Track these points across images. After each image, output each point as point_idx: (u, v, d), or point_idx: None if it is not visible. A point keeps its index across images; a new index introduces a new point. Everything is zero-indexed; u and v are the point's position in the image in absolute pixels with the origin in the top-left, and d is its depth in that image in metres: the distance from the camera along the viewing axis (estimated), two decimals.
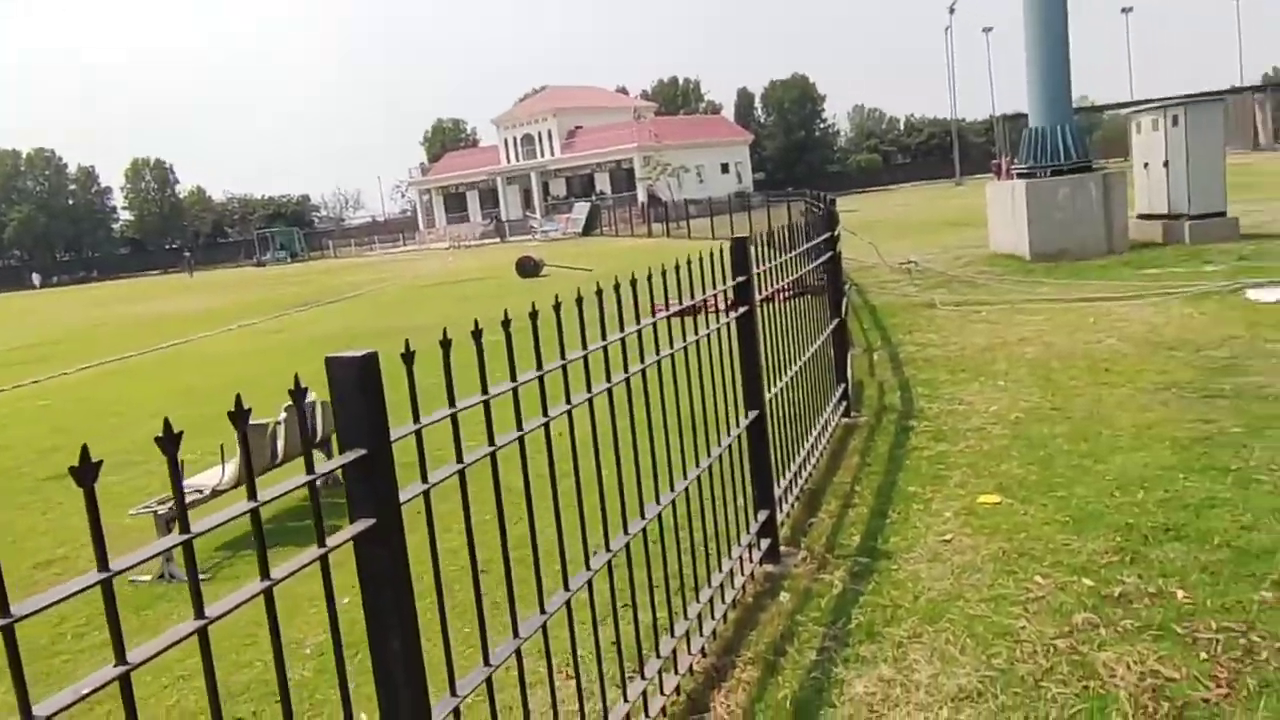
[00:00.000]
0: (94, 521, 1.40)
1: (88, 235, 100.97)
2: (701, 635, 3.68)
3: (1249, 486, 4.71)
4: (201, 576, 5.47)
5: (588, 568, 2.93)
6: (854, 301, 12.51)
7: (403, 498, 2.02)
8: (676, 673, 3.42)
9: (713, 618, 3.81)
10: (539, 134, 78.36)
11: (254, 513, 1.69)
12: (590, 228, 57.47)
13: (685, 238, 36.98)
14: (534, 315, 2.57)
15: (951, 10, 69.51)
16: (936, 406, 7.04)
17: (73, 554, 6.28)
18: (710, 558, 3.94)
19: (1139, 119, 15.72)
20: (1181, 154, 14.42)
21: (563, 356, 2.82)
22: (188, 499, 5.90)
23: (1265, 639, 3.33)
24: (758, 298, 4.66)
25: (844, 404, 7.07)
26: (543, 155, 78.12)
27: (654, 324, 3.43)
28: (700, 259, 3.94)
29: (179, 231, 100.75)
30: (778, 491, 4.74)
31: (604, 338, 3.07)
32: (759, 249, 5.00)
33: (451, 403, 2.28)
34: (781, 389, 5.09)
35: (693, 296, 3.78)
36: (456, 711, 2.20)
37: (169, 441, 1.50)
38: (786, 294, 5.58)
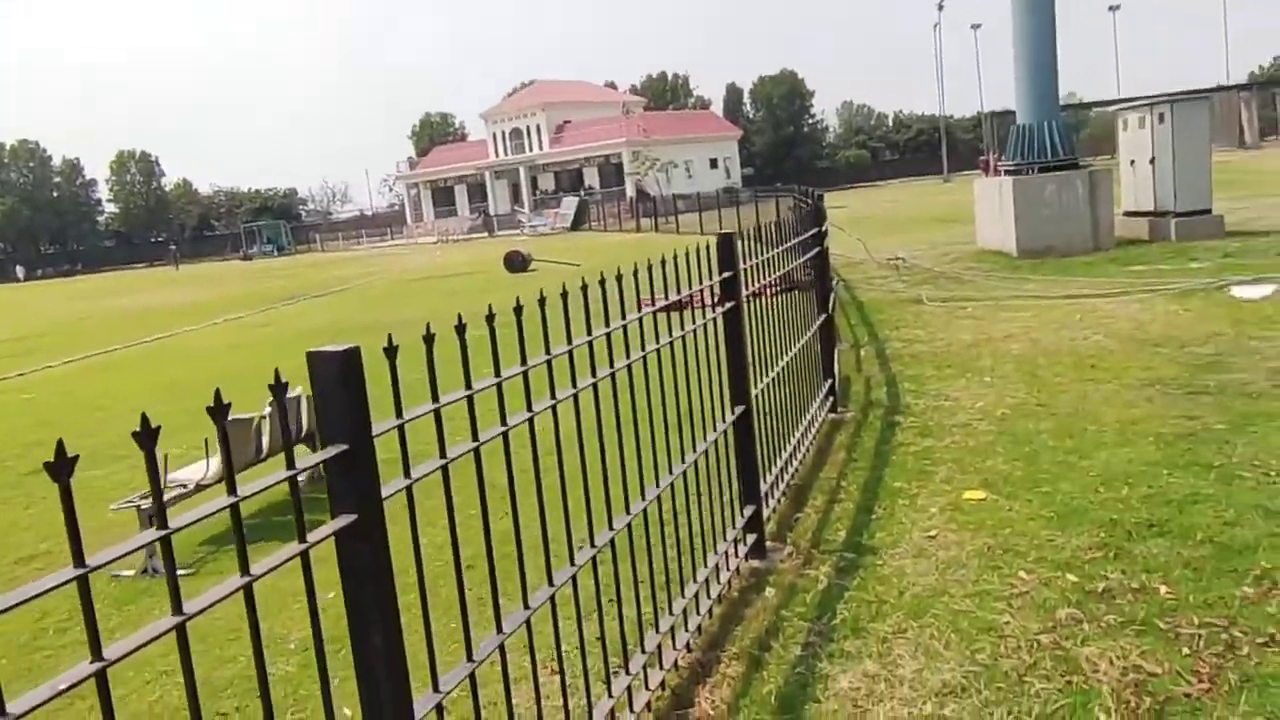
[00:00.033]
0: (70, 517, 1.38)
1: (72, 228, 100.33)
2: (687, 630, 3.67)
3: (1232, 482, 4.73)
4: (186, 572, 5.46)
5: (572, 563, 2.92)
6: (841, 297, 12.53)
7: (385, 493, 2.01)
8: (661, 668, 3.42)
9: (698, 613, 3.81)
10: (527, 128, 78.19)
11: (234, 508, 1.67)
12: (579, 222, 57.39)
13: (674, 233, 36.99)
14: (518, 310, 2.56)
15: (940, 7, 69.74)
16: (923, 402, 7.05)
17: (56, 549, 6.24)
18: (696, 553, 3.94)
19: (1126, 116, 15.78)
20: (1168, 151, 14.49)
21: (547, 352, 2.81)
22: (172, 494, 5.86)
23: (1247, 634, 3.35)
24: (744, 293, 4.66)
25: (831, 399, 7.08)
26: (531, 150, 77.97)
27: (639, 319, 3.42)
28: (687, 254, 3.93)
29: (165, 225, 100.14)
30: (764, 487, 4.75)
31: (589, 333, 3.06)
32: (746, 244, 5.00)
33: (435, 398, 2.27)
34: (768, 384, 5.09)
35: (679, 292, 3.77)
36: (439, 707, 2.19)
37: (146, 437, 1.48)
38: (775, 289, 5.58)
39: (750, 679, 3.49)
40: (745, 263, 4.80)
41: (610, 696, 3.06)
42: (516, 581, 2.70)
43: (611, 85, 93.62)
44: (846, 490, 5.38)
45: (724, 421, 4.35)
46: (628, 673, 3.18)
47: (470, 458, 2.44)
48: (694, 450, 3.95)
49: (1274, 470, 4.81)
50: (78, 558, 1.40)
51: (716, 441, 4.21)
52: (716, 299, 4.43)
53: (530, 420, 2.69)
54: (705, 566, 3.96)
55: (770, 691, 3.39)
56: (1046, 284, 11.90)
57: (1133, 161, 15.45)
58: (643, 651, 3.31)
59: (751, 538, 4.54)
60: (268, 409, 6.27)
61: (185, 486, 5.78)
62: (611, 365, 3.24)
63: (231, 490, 1.67)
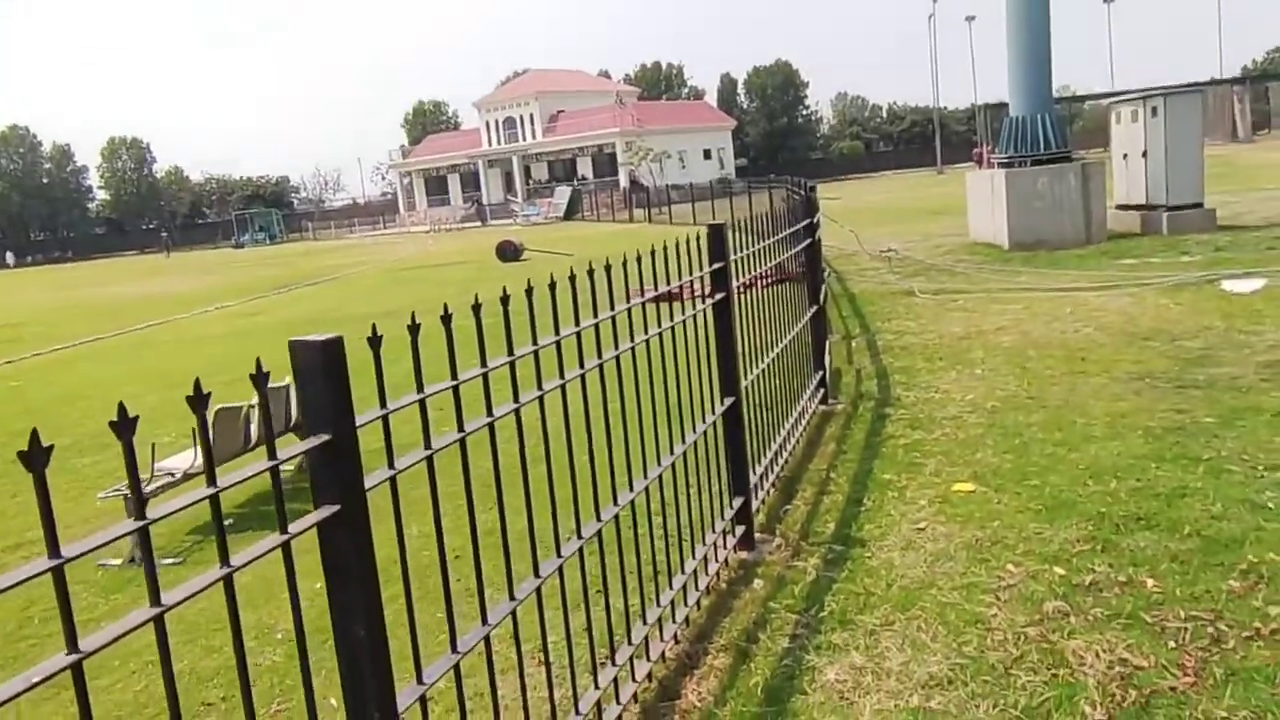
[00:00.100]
0: (45, 507, 1.37)
1: (63, 214, 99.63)
2: (674, 622, 3.67)
3: (1220, 476, 4.74)
4: (174, 561, 5.44)
5: (559, 554, 2.91)
6: (833, 289, 12.52)
7: (369, 483, 1.99)
8: (648, 659, 3.41)
9: (686, 604, 3.80)
10: (521, 117, 77.92)
11: (213, 499, 1.66)
12: (572, 212, 57.28)
13: (667, 223, 36.92)
14: (505, 300, 2.54)
15: None
16: (913, 394, 7.06)
17: (42, 538, 6.20)
18: (685, 544, 3.93)
19: (1119, 109, 15.79)
20: (1160, 145, 14.50)
21: (534, 342, 2.79)
22: (159, 483, 5.83)
23: (1232, 628, 3.36)
24: (735, 284, 4.64)
25: (822, 391, 7.08)
26: (524, 139, 77.73)
27: (628, 310, 3.40)
28: (678, 245, 3.92)
29: (156, 212, 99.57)
30: (753, 478, 4.74)
31: (577, 324, 3.04)
32: (738, 235, 4.98)
33: (419, 388, 2.25)
34: (758, 375, 5.08)
35: (668, 283, 3.76)
36: (423, 699, 2.18)
37: (124, 427, 1.47)
38: (767, 281, 5.57)
39: (737, 671, 3.49)
40: (736, 254, 4.79)
41: (597, 688, 3.06)
42: (504, 573, 2.68)
43: (605, 75, 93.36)
44: (836, 482, 5.39)
45: (713, 413, 4.34)
46: (614, 664, 3.17)
47: (457, 449, 2.42)
48: (683, 442, 3.94)
49: (1262, 464, 4.83)
50: (53, 549, 1.38)
51: (706, 433, 4.20)
52: (707, 290, 4.42)
53: (516, 411, 2.68)
54: (694, 558, 3.96)
55: (757, 683, 3.39)
56: (1038, 277, 11.91)
57: (1125, 155, 15.47)
58: (630, 643, 3.30)
59: (740, 529, 4.53)
60: (256, 398, 6.25)
61: (173, 475, 5.76)
62: (599, 356, 3.22)
63: (211, 481, 1.65)
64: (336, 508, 1.91)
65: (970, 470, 5.29)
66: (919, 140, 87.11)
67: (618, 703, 3.16)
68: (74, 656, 1.38)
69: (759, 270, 5.34)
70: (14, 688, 1.30)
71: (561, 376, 2.97)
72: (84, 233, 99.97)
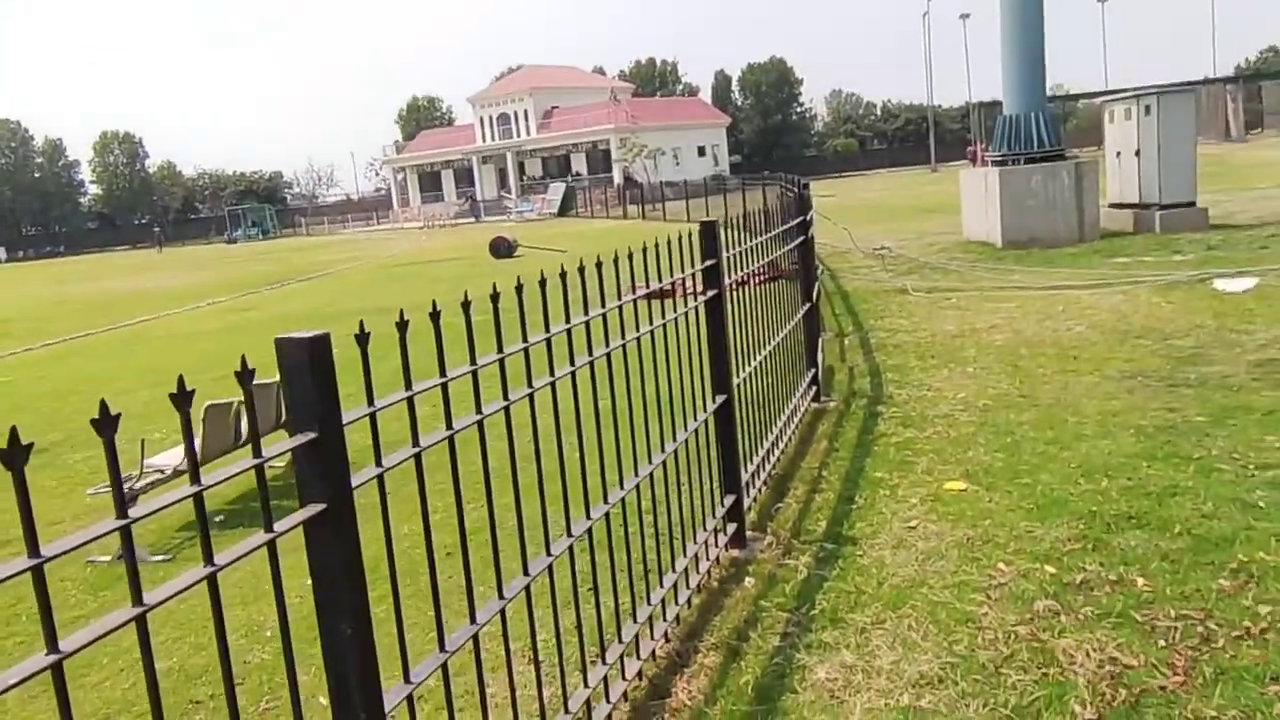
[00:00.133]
0: (24, 506, 1.35)
1: (55, 209, 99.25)
2: (665, 620, 3.66)
3: (1210, 475, 4.75)
4: (163, 558, 5.42)
5: (548, 552, 2.90)
6: (827, 286, 12.53)
7: (356, 482, 1.98)
8: (639, 658, 3.40)
9: (677, 603, 3.79)
10: (515, 113, 77.81)
11: (197, 497, 1.64)
12: (566, 209, 57.23)
13: (661, 220, 36.91)
14: (495, 297, 2.53)
15: None
16: (905, 392, 7.06)
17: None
18: (676, 542, 3.92)
19: (1112, 108, 15.80)
20: (1153, 143, 14.52)
21: (524, 339, 2.78)
22: (150, 479, 5.79)
23: (1222, 627, 3.36)
24: (728, 281, 4.63)
25: (814, 389, 7.07)
26: (519, 135, 77.61)
27: (619, 307, 3.39)
28: (669, 242, 3.90)
29: (148, 207, 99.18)
30: (745, 476, 4.73)
31: (567, 320, 3.03)
32: (731, 232, 4.97)
33: (407, 385, 2.24)
34: (750, 373, 5.07)
35: (660, 280, 3.74)
36: (410, 699, 2.17)
37: (105, 425, 1.45)
38: (760, 278, 5.56)
39: (728, 669, 3.49)
40: (729, 251, 4.78)
41: (587, 686, 3.05)
42: (494, 571, 2.67)
43: (600, 71, 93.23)
44: (828, 480, 5.38)
45: (705, 411, 4.33)
46: (604, 663, 3.16)
47: (445, 447, 2.41)
48: (674, 439, 3.93)
49: (1252, 463, 4.83)
50: (32, 548, 1.36)
51: (698, 431, 4.19)
52: (699, 288, 4.41)
53: (506, 409, 2.67)
54: (685, 556, 3.95)
55: (748, 682, 3.38)
56: (1031, 275, 11.92)
57: (1118, 153, 15.49)
58: (620, 641, 3.29)
59: (732, 527, 4.53)
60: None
61: (162, 472, 5.73)
62: (590, 353, 3.21)
63: (195, 479, 1.63)
64: (323, 506, 1.89)
65: (962, 469, 5.29)
66: (913, 138, 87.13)
67: (608, 701, 3.15)
68: (53, 657, 1.36)
69: (752, 267, 5.33)
70: None
71: (552, 374, 2.96)
72: (76, 227, 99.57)
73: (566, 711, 2.93)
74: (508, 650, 2.68)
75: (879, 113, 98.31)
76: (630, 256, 3.52)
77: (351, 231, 74.08)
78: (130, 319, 20.19)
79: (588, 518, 3.16)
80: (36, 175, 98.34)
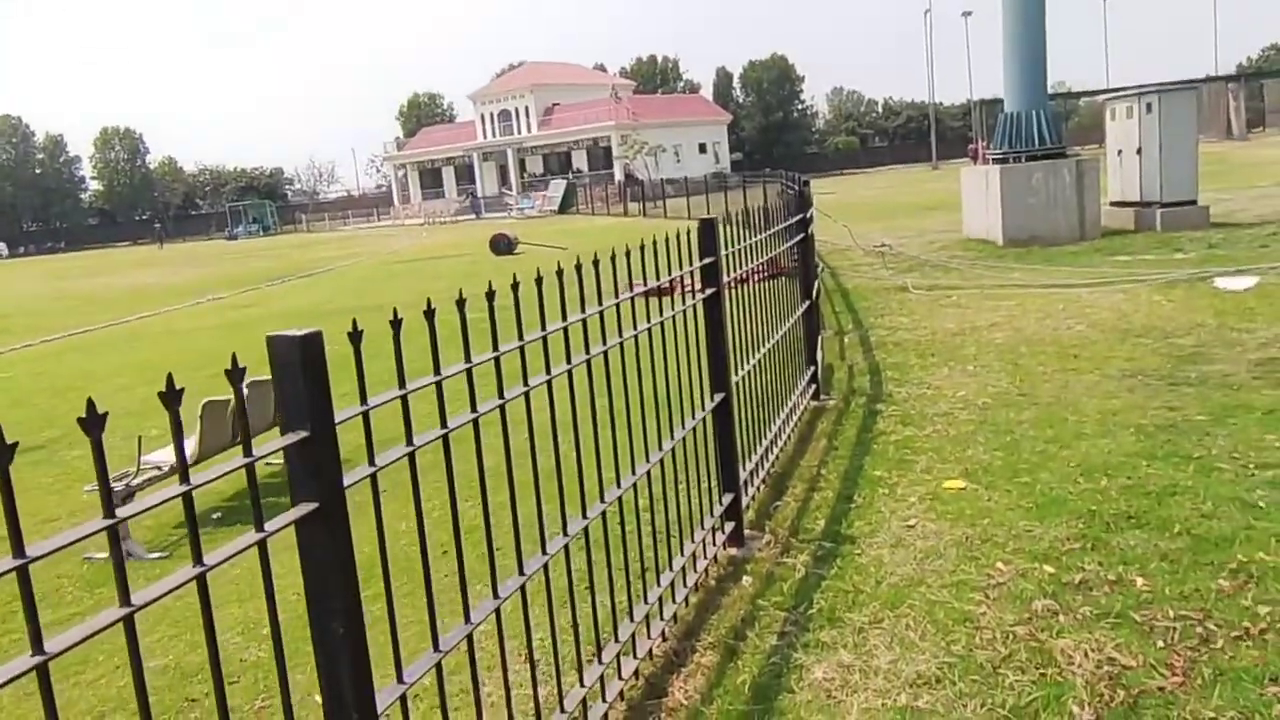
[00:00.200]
0: (9, 505, 1.34)
1: (56, 205, 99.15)
2: (662, 619, 3.65)
3: (1210, 474, 4.73)
4: (160, 555, 5.41)
5: (544, 551, 2.89)
6: (827, 284, 12.51)
7: (348, 480, 1.97)
8: (635, 657, 3.39)
9: (674, 601, 3.78)
10: (516, 110, 77.73)
11: (186, 496, 1.62)
12: (566, 206, 57.17)
13: (661, 217, 36.88)
14: (490, 295, 2.51)
15: None
16: (905, 391, 7.04)
17: (29, 530, 6.14)
18: (673, 541, 3.91)
19: (1114, 106, 15.77)
20: (1155, 142, 14.50)
21: (520, 337, 2.76)
22: (146, 476, 5.78)
23: (1221, 627, 3.35)
24: (726, 279, 4.61)
25: (813, 387, 7.06)
26: (519, 132, 77.53)
27: (617, 305, 3.37)
28: (666, 240, 3.89)
29: (149, 203, 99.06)
30: (743, 474, 4.72)
31: (564, 318, 3.01)
32: (730, 230, 4.95)
33: (401, 383, 2.22)
34: (749, 371, 5.05)
35: (658, 277, 3.73)
36: (403, 699, 2.16)
37: (93, 424, 1.43)
38: (760, 276, 5.55)
39: (724, 669, 3.47)
40: (728, 249, 4.76)
41: (582, 685, 3.03)
42: (489, 570, 2.66)
43: (601, 68, 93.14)
44: (827, 478, 5.37)
45: (703, 409, 4.32)
46: (600, 662, 3.15)
47: (442, 446, 2.39)
48: (672, 437, 3.91)
49: (1253, 462, 4.82)
50: (17, 548, 1.35)
51: (696, 429, 4.17)
52: (697, 285, 4.39)
53: (502, 407, 2.65)
54: (682, 555, 3.93)
55: (744, 681, 3.37)
56: (1031, 273, 11.90)
57: (1120, 151, 15.46)
58: (617, 640, 3.28)
59: (730, 526, 4.51)
60: (245, 390, 6.20)
61: (160, 469, 5.72)
62: (587, 351, 3.19)
63: (184, 479, 1.62)
64: (314, 505, 1.88)
65: (961, 467, 5.27)
66: (914, 135, 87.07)
67: (604, 700, 3.13)
68: (39, 658, 1.35)
69: (752, 265, 5.31)
70: None
71: (548, 372, 2.95)
72: (77, 223, 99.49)
73: (562, 711, 2.92)
74: (503, 649, 2.66)
75: (880, 110, 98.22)
76: (629, 254, 3.51)
77: (352, 228, 73.98)
78: (130, 315, 20.18)
79: (584, 516, 3.14)
80: (37, 171, 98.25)
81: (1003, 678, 3.20)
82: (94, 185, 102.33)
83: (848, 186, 47.72)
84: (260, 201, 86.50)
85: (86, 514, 5.96)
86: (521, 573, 2.75)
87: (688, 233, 4.19)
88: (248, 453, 1.78)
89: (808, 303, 7.24)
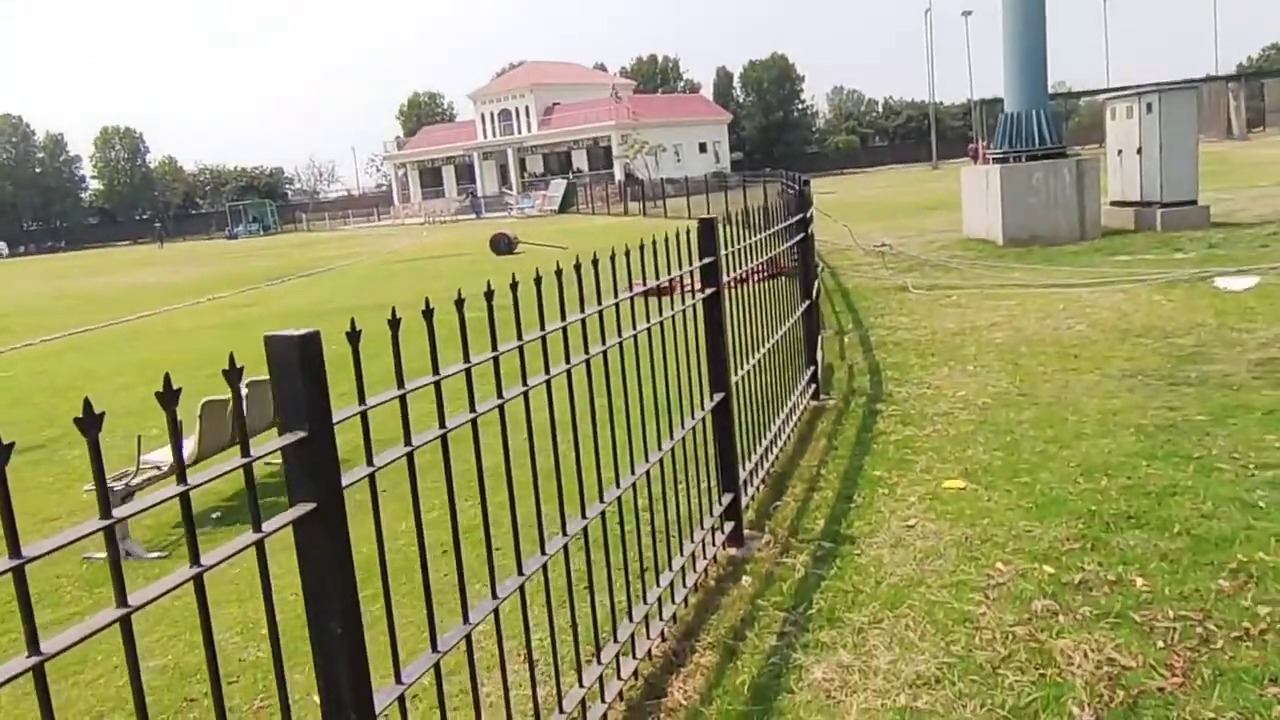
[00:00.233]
0: (5, 506, 1.33)
1: (56, 204, 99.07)
2: (661, 619, 3.64)
3: (1210, 474, 4.73)
4: (160, 554, 5.41)
5: (543, 551, 2.88)
6: (827, 284, 12.50)
7: (347, 481, 1.96)
8: (635, 657, 3.39)
9: (673, 601, 3.78)
10: (516, 109, 77.69)
11: (183, 497, 1.62)
12: (567, 205, 57.17)
13: (661, 216, 36.87)
14: (489, 295, 2.51)
15: None
16: (905, 390, 7.04)
17: (27, 530, 6.13)
18: (673, 541, 3.91)
19: (1114, 106, 15.77)
20: (1155, 141, 14.49)
21: (519, 337, 2.76)
22: (146, 475, 5.77)
23: (1221, 628, 3.34)
24: (726, 279, 4.61)
25: (813, 386, 7.05)
26: (520, 131, 77.50)
27: (616, 305, 3.37)
28: (666, 239, 3.88)
29: (149, 202, 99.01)
30: (743, 474, 4.71)
31: (563, 318, 3.01)
32: (730, 229, 4.95)
33: (400, 383, 2.22)
34: (749, 371, 5.05)
35: (657, 277, 3.72)
36: (401, 699, 2.15)
37: (89, 424, 1.43)
38: (760, 275, 5.54)
39: (724, 669, 3.47)
40: (728, 249, 4.75)
41: (581, 686, 3.03)
42: (488, 570, 2.65)
43: (601, 67, 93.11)
44: (826, 478, 5.36)
45: (703, 408, 4.31)
46: (600, 662, 3.14)
47: (441, 446, 2.39)
48: (671, 437, 3.91)
49: (1253, 463, 4.81)
50: (13, 548, 1.35)
51: (695, 428, 4.17)
52: (697, 285, 4.38)
53: (501, 407, 2.65)
54: (682, 555, 3.93)
55: (743, 682, 3.36)
56: (1032, 273, 11.90)
57: (1120, 151, 15.45)
58: (616, 641, 3.28)
59: (729, 525, 4.51)
60: (245, 389, 6.20)
61: (159, 468, 5.72)
62: (586, 351, 3.19)
63: (181, 479, 1.62)
64: (312, 505, 1.87)
65: (961, 467, 5.27)
66: (915, 135, 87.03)
67: (603, 701, 3.13)
68: (35, 659, 1.34)
69: (752, 265, 5.30)
70: None
71: (547, 371, 2.94)
72: (77, 222, 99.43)
73: (561, 711, 2.92)
74: (501, 650, 2.66)
75: (880, 110, 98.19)
76: (628, 253, 3.50)
77: (352, 227, 73.98)
78: (130, 314, 20.18)
79: (584, 516, 3.14)
80: (38, 170, 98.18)
81: (1002, 678, 3.19)
82: (94, 184, 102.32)
83: (848, 186, 47.72)
84: (260, 201, 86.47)
85: (86, 513, 5.96)
86: (520, 573, 2.75)
87: (687, 232, 4.19)
88: (245, 453, 1.78)
89: (808, 302, 7.24)
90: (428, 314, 2.27)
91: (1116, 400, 6.17)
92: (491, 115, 79.30)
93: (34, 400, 10.94)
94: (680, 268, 4.08)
